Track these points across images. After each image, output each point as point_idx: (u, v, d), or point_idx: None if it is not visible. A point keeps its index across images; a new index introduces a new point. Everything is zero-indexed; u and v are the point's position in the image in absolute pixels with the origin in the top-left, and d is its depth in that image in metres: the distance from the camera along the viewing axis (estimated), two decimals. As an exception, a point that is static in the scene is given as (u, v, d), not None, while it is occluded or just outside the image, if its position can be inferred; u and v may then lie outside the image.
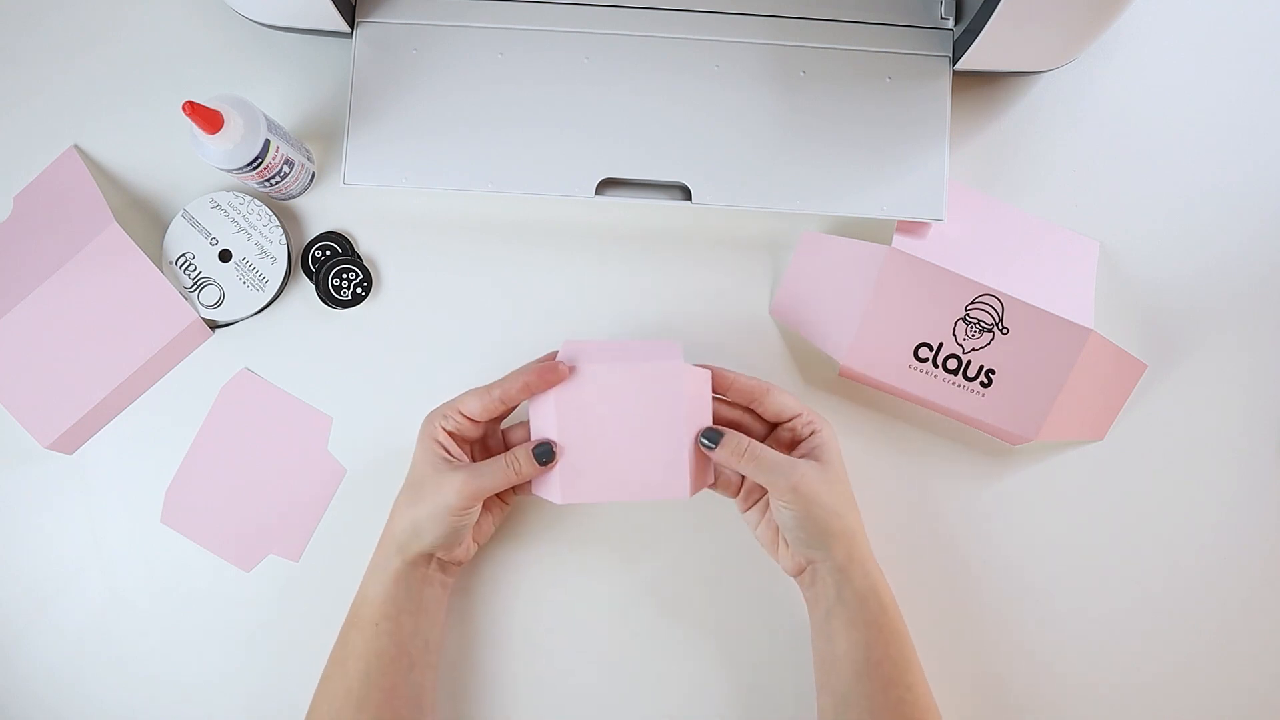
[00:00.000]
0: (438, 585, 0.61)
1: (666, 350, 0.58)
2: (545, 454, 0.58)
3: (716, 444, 0.58)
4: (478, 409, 0.59)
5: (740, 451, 0.58)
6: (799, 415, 0.61)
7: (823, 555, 0.58)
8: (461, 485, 0.57)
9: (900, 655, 0.57)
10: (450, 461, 0.59)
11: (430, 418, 0.60)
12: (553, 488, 0.59)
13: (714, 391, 0.60)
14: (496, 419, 0.62)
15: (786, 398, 0.61)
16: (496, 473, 0.58)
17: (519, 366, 0.61)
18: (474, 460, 0.62)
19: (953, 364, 0.65)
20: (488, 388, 0.59)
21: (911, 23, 0.67)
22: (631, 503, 0.66)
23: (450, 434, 0.60)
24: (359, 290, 0.68)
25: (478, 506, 0.59)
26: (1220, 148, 0.71)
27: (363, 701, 0.57)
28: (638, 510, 0.67)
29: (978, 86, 0.70)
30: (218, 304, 0.67)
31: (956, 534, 0.67)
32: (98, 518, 0.67)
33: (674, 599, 0.66)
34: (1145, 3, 0.69)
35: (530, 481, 0.60)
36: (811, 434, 0.60)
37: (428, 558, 0.60)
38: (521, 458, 0.58)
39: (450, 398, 0.61)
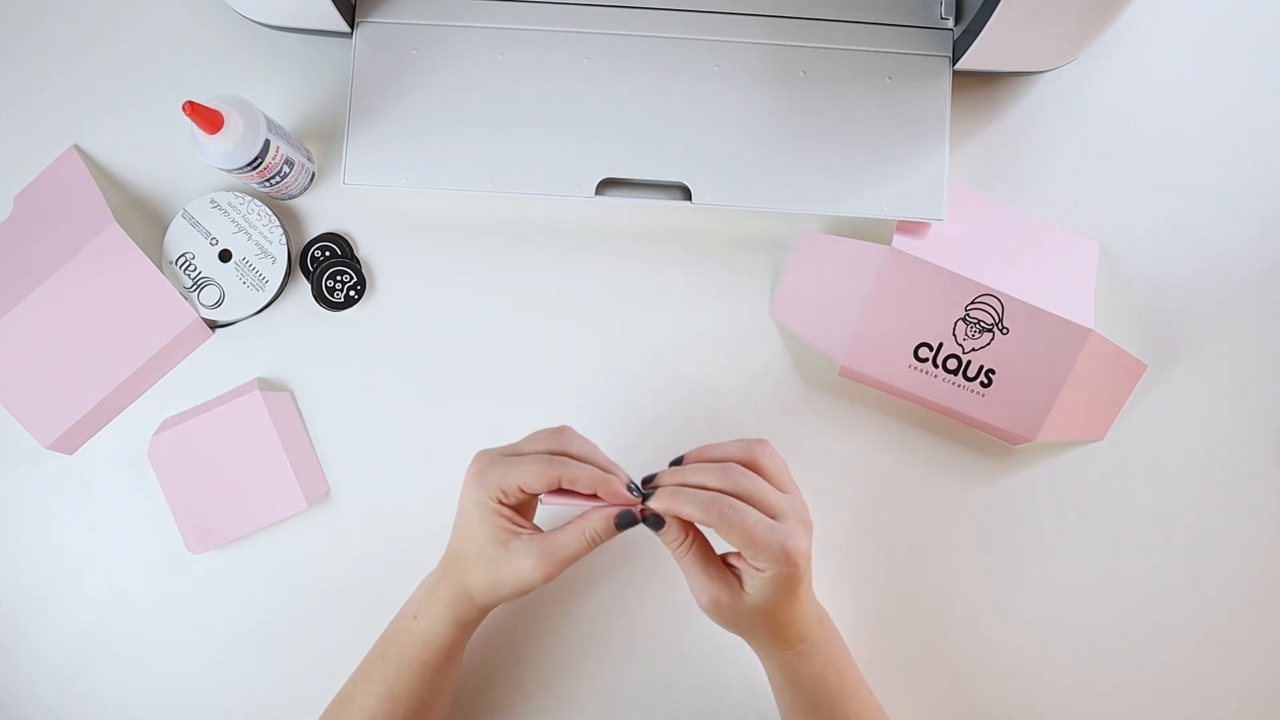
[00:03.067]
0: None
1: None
2: (627, 520, 0.54)
3: (658, 530, 0.55)
4: (538, 486, 0.54)
5: (674, 548, 0.55)
6: (747, 552, 0.53)
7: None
8: (536, 564, 0.54)
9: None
10: (515, 534, 0.55)
11: (482, 484, 0.55)
12: None
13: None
14: None
15: (739, 534, 0.52)
16: (573, 546, 0.54)
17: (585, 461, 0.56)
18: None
19: (953, 364, 0.65)
20: (556, 467, 0.53)
21: (911, 23, 0.67)
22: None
23: (508, 507, 0.55)
24: (352, 293, 0.68)
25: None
26: (1220, 148, 0.70)
27: None
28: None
29: (978, 86, 0.70)
30: (218, 304, 0.67)
31: (956, 534, 0.67)
32: (98, 518, 0.67)
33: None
34: (1145, 3, 0.69)
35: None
36: (756, 571, 0.53)
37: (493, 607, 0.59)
38: (600, 528, 0.54)
39: (497, 446, 0.57)
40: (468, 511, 0.56)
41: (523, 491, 0.54)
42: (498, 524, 0.55)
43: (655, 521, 0.54)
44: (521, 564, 0.54)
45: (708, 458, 0.56)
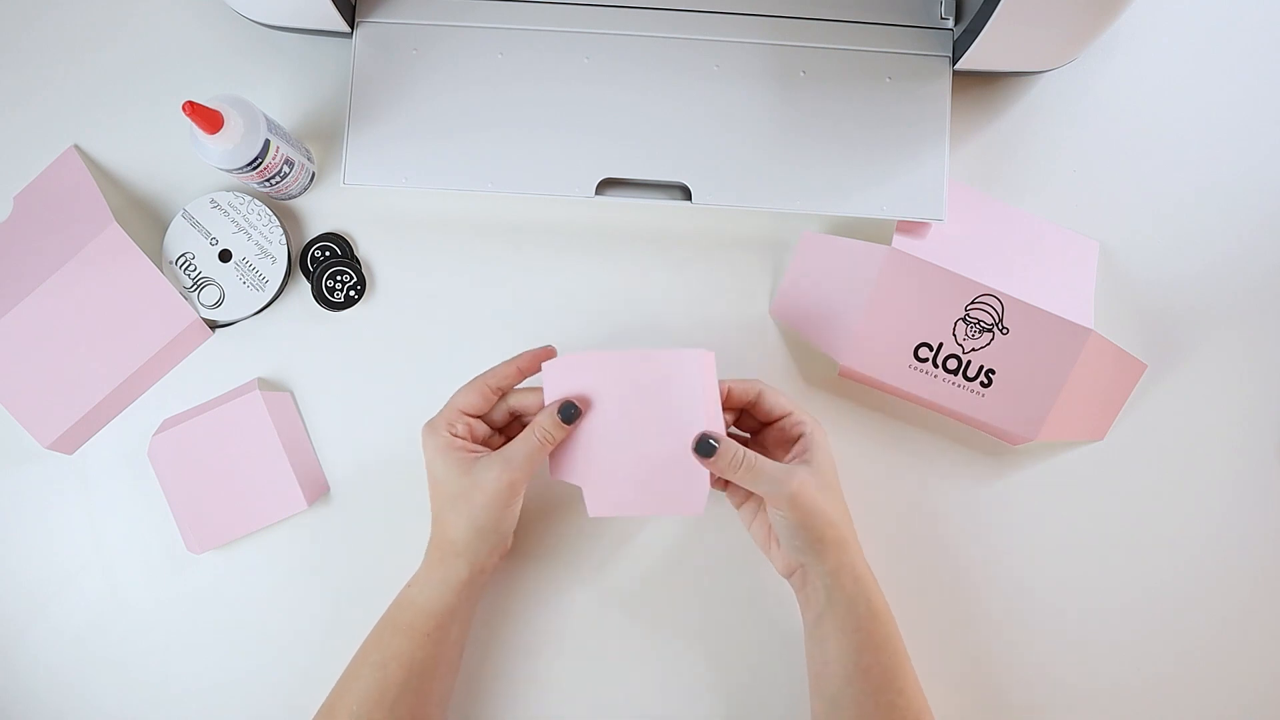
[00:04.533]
0: (480, 590, 0.61)
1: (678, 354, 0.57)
2: (570, 412, 0.57)
3: (711, 455, 0.56)
4: (477, 402, 0.59)
5: (737, 463, 0.56)
6: (789, 415, 0.60)
7: (814, 560, 0.58)
8: (500, 473, 0.56)
9: (891, 661, 0.57)
10: (475, 458, 0.58)
11: (433, 428, 0.59)
12: (586, 489, 0.58)
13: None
14: (500, 426, 0.62)
15: (777, 397, 0.60)
16: (528, 447, 0.57)
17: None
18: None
19: (953, 364, 0.65)
20: (479, 379, 0.59)
21: (911, 23, 0.67)
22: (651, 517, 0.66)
23: (460, 438, 0.59)
24: (352, 293, 0.68)
25: (523, 490, 0.58)
26: (1220, 147, 0.71)
27: (396, 704, 0.57)
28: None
29: (978, 86, 0.70)
30: (218, 304, 0.67)
31: (956, 534, 0.67)
32: (98, 518, 0.67)
33: (660, 601, 0.66)
34: (1145, 3, 0.69)
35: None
36: (799, 436, 0.60)
37: (489, 563, 0.60)
38: (547, 423, 0.57)
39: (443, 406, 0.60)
40: (430, 462, 0.59)
41: (465, 414, 0.59)
42: (456, 456, 0.58)
43: (706, 448, 0.56)
44: (485, 478, 0.57)
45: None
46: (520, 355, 0.59)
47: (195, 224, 0.67)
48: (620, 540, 0.67)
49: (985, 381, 0.65)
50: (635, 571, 0.67)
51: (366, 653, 0.59)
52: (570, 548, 0.67)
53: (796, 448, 0.60)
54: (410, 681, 0.58)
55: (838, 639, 0.57)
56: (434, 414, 0.60)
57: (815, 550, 0.57)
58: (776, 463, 0.58)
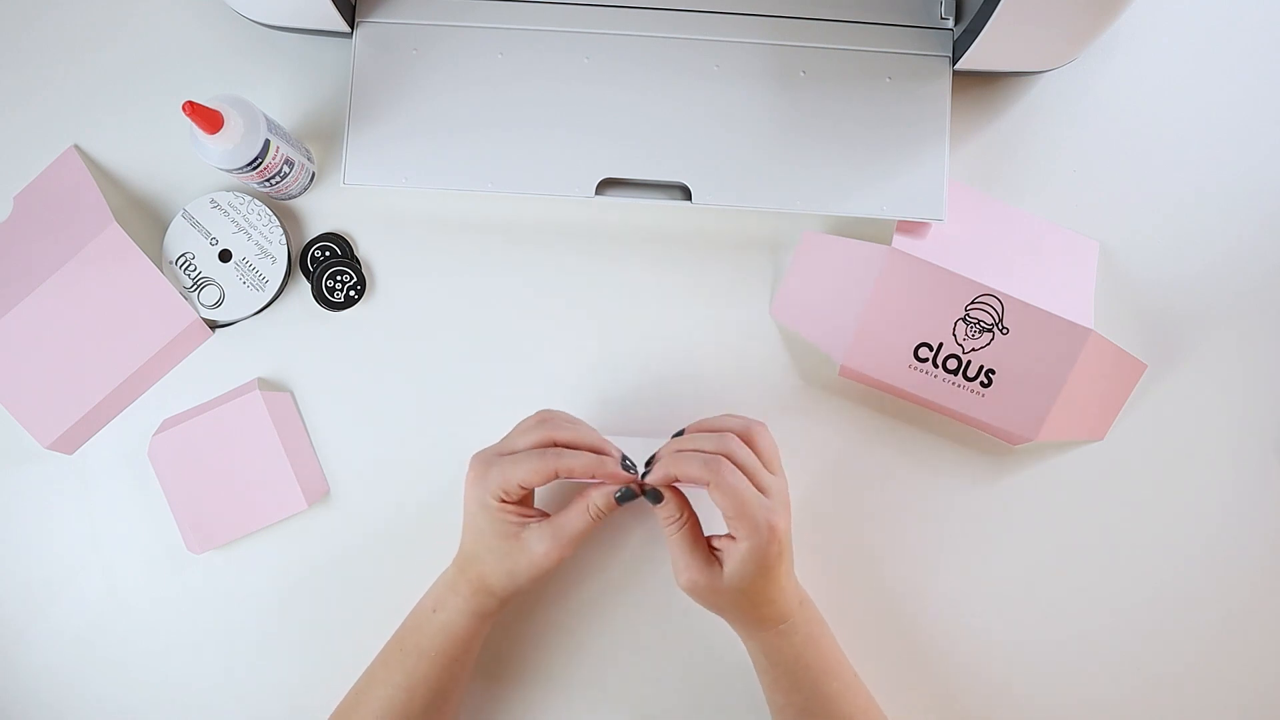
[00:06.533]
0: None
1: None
2: (627, 496, 0.57)
3: (657, 504, 0.57)
4: (538, 481, 0.56)
5: (667, 521, 0.57)
6: (730, 519, 0.55)
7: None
8: (550, 547, 0.57)
9: (808, 699, 0.58)
10: (523, 524, 0.58)
11: (484, 485, 0.57)
12: None
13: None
14: None
15: (726, 498, 0.54)
16: (581, 524, 0.57)
17: (570, 441, 0.58)
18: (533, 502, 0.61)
19: (953, 364, 0.65)
20: (551, 462, 0.55)
21: (911, 23, 0.67)
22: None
23: (511, 504, 0.58)
24: (352, 293, 0.68)
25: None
26: (1220, 147, 0.70)
27: None
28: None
29: (978, 86, 0.70)
30: (218, 304, 0.67)
31: (956, 534, 0.67)
32: (97, 518, 0.67)
33: (659, 603, 0.67)
34: (1145, 3, 0.69)
35: None
36: (734, 543, 0.55)
37: (515, 599, 0.61)
38: (601, 504, 0.57)
39: (494, 442, 0.59)
40: (474, 514, 0.58)
41: (522, 488, 0.57)
42: (505, 520, 0.57)
43: (654, 495, 0.57)
44: (535, 549, 0.57)
45: (707, 428, 0.58)
46: (604, 460, 0.56)
47: (195, 224, 0.67)
48: (621, 546, 0.67)
49: (985, 381, 0.65)
50: (634, 577, 0.67)
51: (390, 670, 0.59)
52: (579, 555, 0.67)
53: (722, 543, 0.57)
54: (434, 703, 0.59)
55: (760, 681, 0.61)
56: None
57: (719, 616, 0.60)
58: (690, 552, 0.56)
